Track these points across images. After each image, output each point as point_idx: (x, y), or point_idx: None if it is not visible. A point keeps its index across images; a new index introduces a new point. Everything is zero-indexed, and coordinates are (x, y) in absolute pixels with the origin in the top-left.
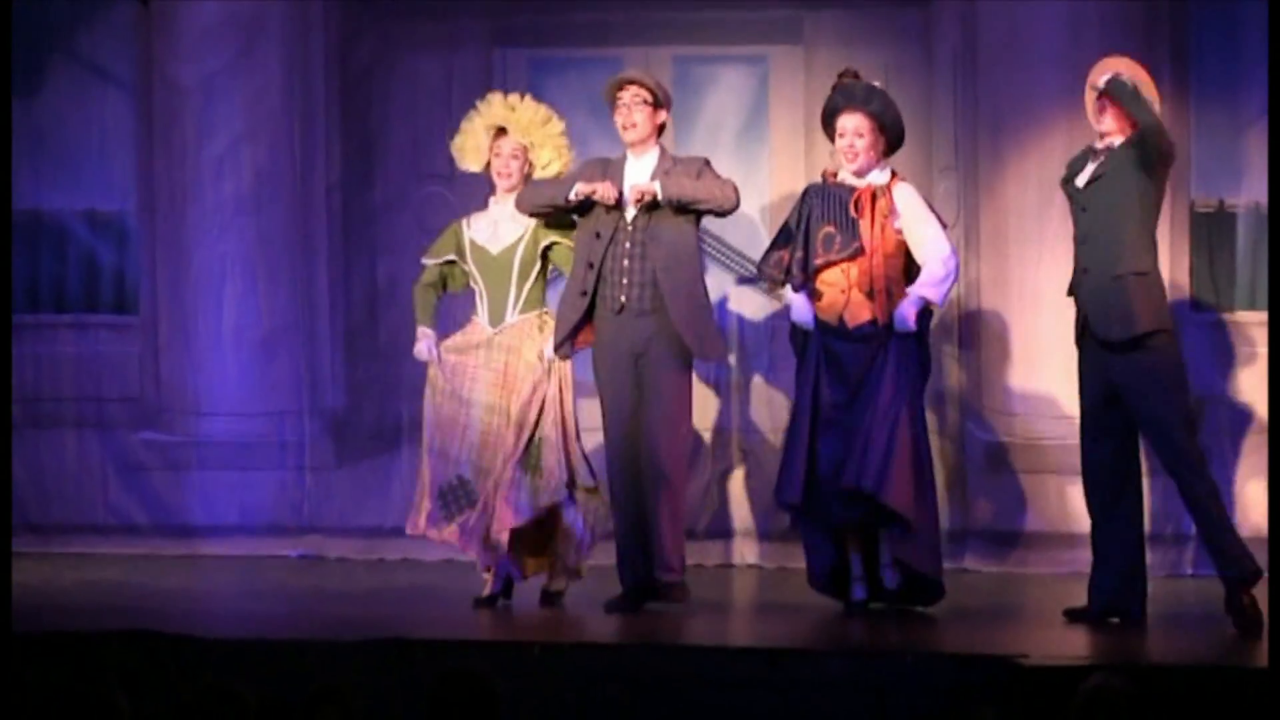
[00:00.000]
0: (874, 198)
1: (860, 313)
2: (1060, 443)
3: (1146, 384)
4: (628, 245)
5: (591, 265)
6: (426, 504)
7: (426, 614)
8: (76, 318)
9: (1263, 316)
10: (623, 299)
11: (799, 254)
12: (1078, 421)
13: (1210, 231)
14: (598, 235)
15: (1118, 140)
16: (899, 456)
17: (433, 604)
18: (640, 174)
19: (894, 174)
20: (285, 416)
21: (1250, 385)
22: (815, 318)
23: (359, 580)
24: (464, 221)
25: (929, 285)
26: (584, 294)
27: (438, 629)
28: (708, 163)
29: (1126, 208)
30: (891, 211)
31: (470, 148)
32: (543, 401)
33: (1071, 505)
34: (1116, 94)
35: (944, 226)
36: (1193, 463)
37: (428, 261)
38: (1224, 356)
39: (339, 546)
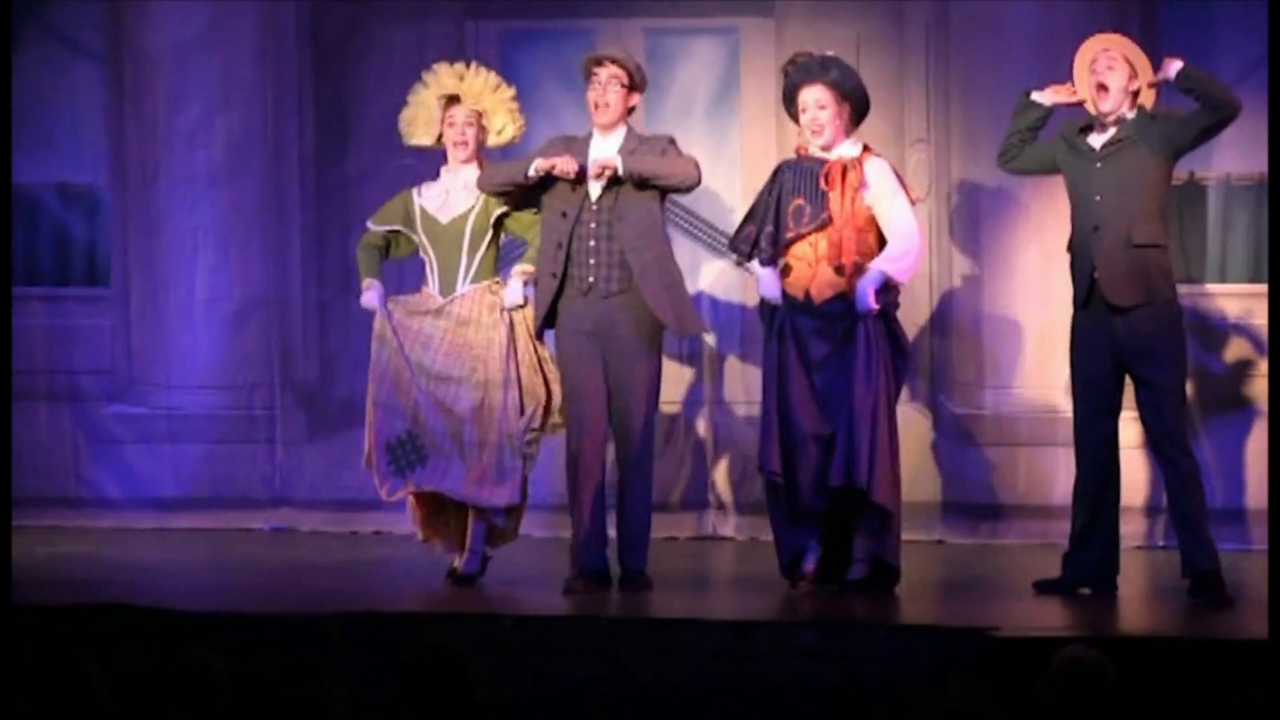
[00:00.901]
0: (844, 171)
1: (827, 288)
2: (1032, 415)
3: (1154, 352)
4: (593, 225)
5: (560, 245)
6: (375, 459)
7: (400, 587)
8: (48, 290)
9: (1234, 289)
10: (591, 279)
11: (769, 228)
12: (1050, 394)
13: (1181, 204)
14: (564, 215)
15: (1127, 110)
16: (882, 450)
17: (406, 577)
18: (605, 152)
19: (866, 148)
20: (257, 389)
21: (1219, 358)
22: (783, 293)
23: (332, 553)
24: (414, 190)
25: (889, 259)
26: (554, 275)
27: (411, 602)
28: (672, 141)
29: (1151, 178)
30: (862, 185)
31: (422, 120)
32: (514, 357)
33: (1042, 477)
34: (1196, 82)
35: (913, 203)
36: (1182, 438)
37: (373, 225)
38: (1194, 329)
39: (311, 519)
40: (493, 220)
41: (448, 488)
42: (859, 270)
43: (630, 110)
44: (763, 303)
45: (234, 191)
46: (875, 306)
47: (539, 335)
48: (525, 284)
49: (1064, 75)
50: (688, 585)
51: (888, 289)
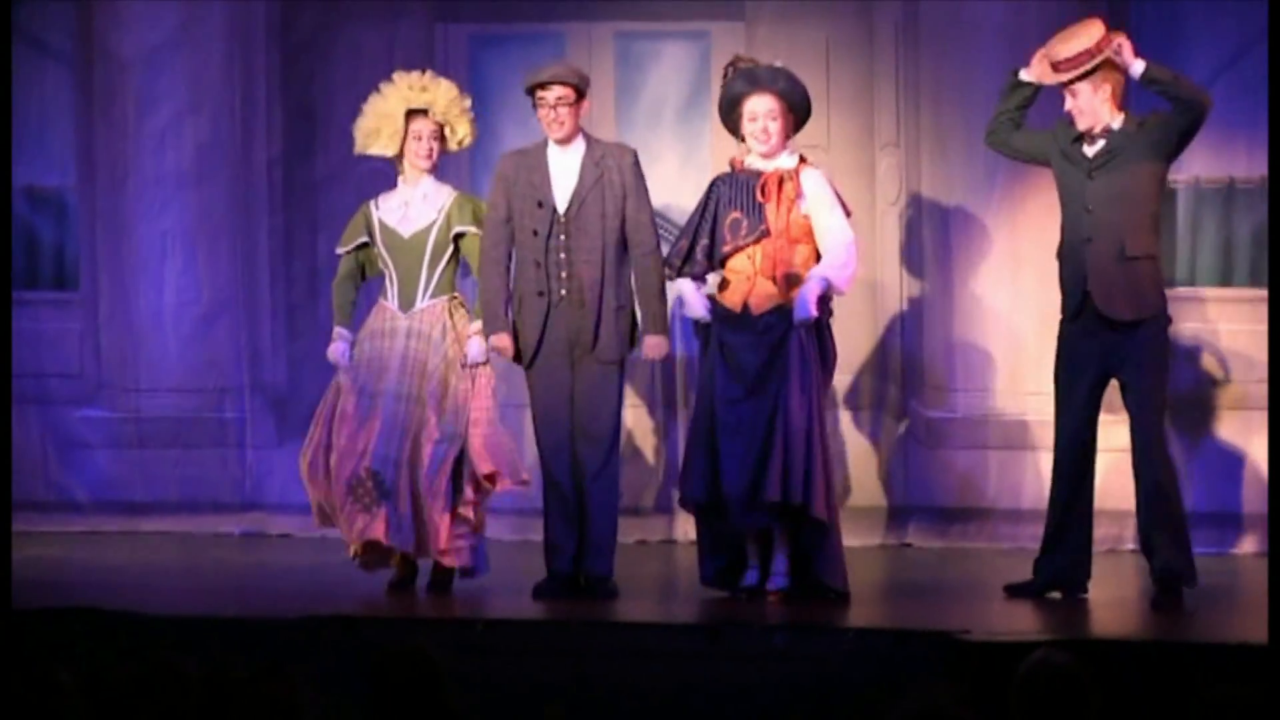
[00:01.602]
0: (780, 182)
1: (766, 300)
2: (1002, 419)
3: (1145, 362)
4: (562, 238)
5: (538, 264)
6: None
7: (370, 591)
8: (16, 294)
9: (1201, 292)
10: (562, 291)
11: (704, 241)
12: (1020, 398)
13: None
14: (535, 233)
15: (1117, 120)
16: (817, 464)
17: (376, 581)
18: (567, 166)
19: (802, 158)
20: (226, 393)
21: (1188, 361)
22: (717, 308)
23: (302, 557)
24: (372, 204)
25: (832, 267)
26: (540, 294)
27: (381, 606)
28: (636, 161)
29: (1143, 189)
30: (799, 195)
31: (386, 133)
32: (466, 407)
33: (1012, 480)
34: (1161, 83)
35: (848, 214)
36: (1164, 447)
37: (341, 251)
38: None
39: (281, 523)
40: (452, 235)
41: (397, 541)
42: (796, 281)
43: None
44: (694, 322)
45: (203, 194)
46: (815, 314)
47: (532, 359)
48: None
49: None
50: (658, 589)
51: (826, 299)
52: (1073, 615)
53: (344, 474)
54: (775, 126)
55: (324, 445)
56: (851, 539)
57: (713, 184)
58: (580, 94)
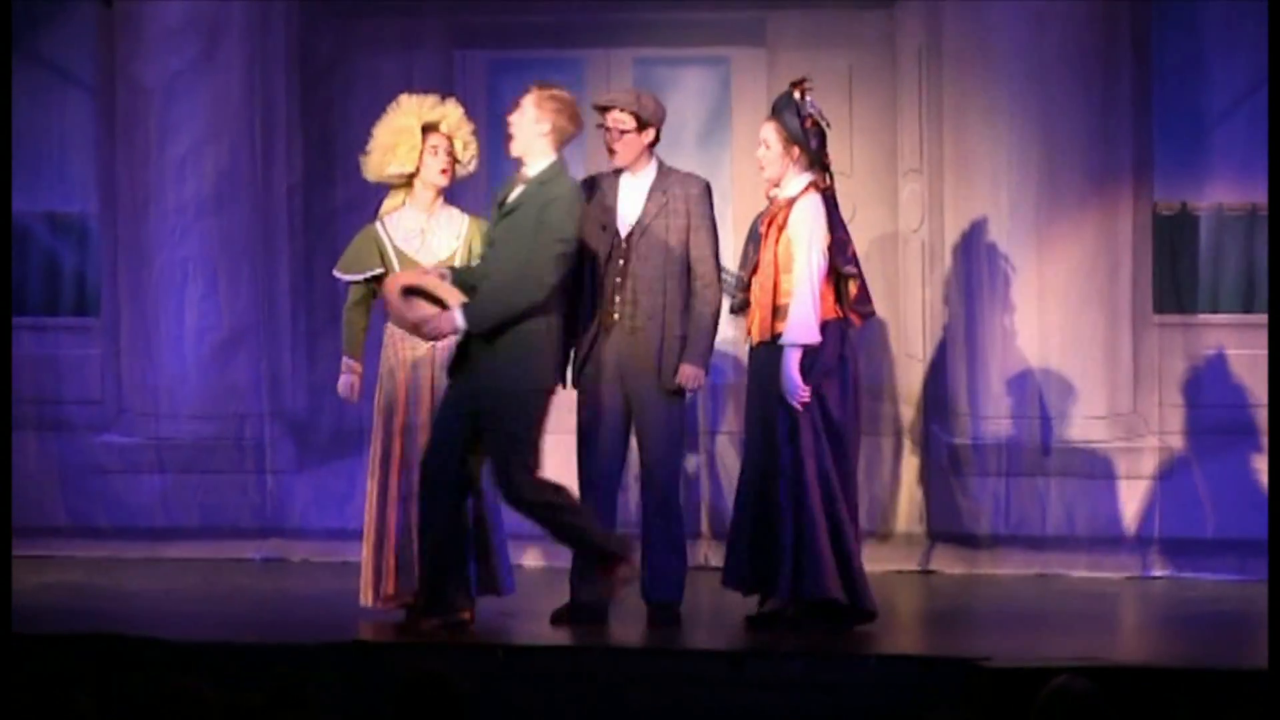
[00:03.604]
0: (778, 212)
1: (761, 331)
2: (1025, 445)
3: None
4: (621, 263)
5: (598, 287)
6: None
7: (389, 617)
8: (37, 320)
9: (1225, 319)
10: (615, 315)
11: (741, 273)
12: (1045, 424)
13: (1173, 234)
14: (595, 255)
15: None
16: (820, 548)
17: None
18: (634, 192)
19: (811, 185)
20: (247, 419)
21: (1211, 387)
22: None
23: (321, 583)
24: (379, 227)
25: (793, 329)
26: (594, 317)
27: (400, 632)
28: (704, 193)
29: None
30: (785, 226)
31: (406, 147)
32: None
33: (1036, 507)
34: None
35: (828, 249)
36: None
37: (350, 279)
38: (1186, 359)
39: (301, 549)
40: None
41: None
42: (785, 314)
43: (652, 145)
44: None
45: (223, 221)
46: (805, 390)
47: (577, 376)
48: None
49: (1057, 103)
50: (680, 615)
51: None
52: (1093, 641)
53: (386, 518)
54: (768, 155)
55: (380, 510)
56: (873, 565)
57: (759, 215)
58: (640, 121)
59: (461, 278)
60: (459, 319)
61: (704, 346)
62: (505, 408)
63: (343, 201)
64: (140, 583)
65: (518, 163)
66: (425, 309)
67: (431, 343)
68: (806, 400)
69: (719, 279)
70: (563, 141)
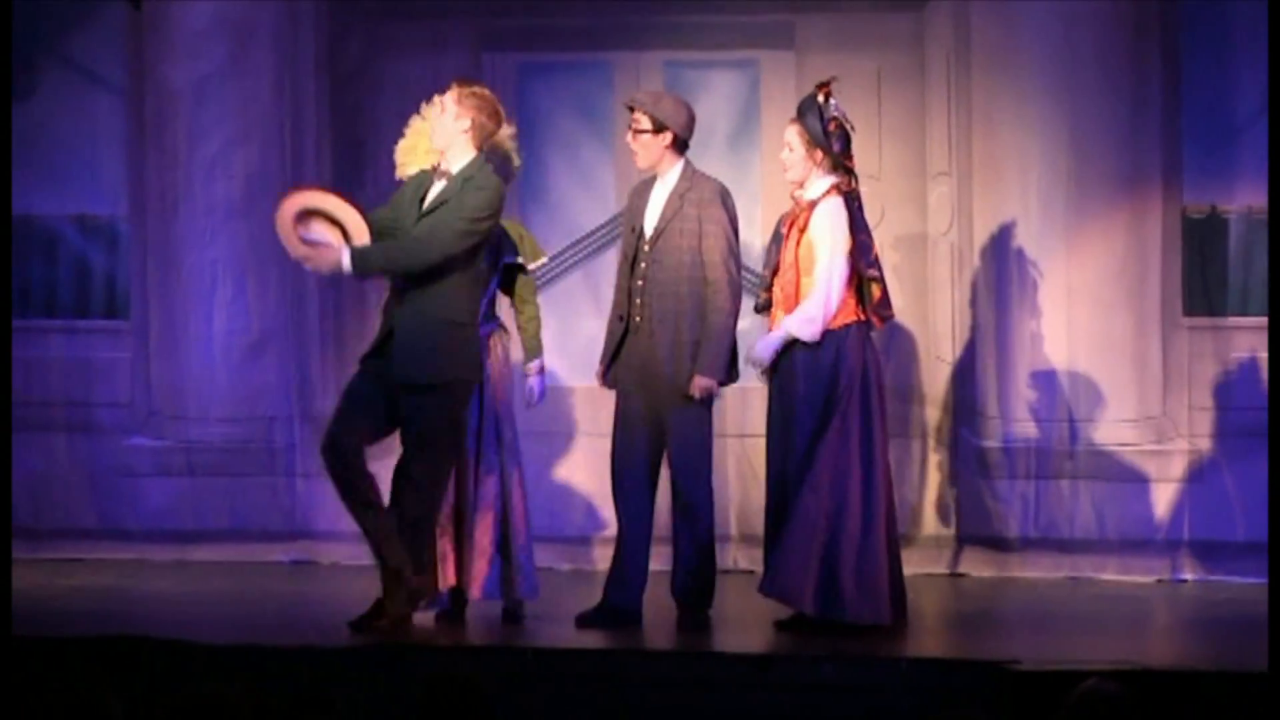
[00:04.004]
0: (800, 214)
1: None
2: (1053, 447)
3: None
4: (643, 266)
5: (624, 289)
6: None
7: (417, 619)
8: (67, 322)
9: (1255, 321)
10: (636, 319)
11: (765, 272)
12: (1073, 427)
13: (1202, 237)
14: (625, 256)
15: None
16: (843, 563)
17: (423, 610)
18: (659, 196)
19: (833, 187)
20: (276, 421)
21: (1240, 390)
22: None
23: (350, 586)
24: None
25: (796, 320)
26: (621, 319)
27: (428, 634)
28: (717, 196)
29: None
30: (807, 228)
31: (423, 148)
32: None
33: (1064, 510)
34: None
35: (851, 250)
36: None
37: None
38: (1215, 362)
39: (330, 552)
40: (506, 265)
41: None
42: None
43: (675, 149)
44: None
45: (252, 224)
46: (766, 361)
47: (604, 375)
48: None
49: (1086, 105)
50: (710, 618)
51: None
52: (1123, 645)
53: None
54: (791, 157)
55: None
56: (905, 568)
57: (782, 216)
58: (656, 124)
59: (379, 220)
60: (345, 260)
61: (715, 354)
62: (423, 401)
63: (372, 203)
64: (168, 585)
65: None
66: (319, 235)
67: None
68: (765, 369)
69: (730, 283)
70: (483, 138)
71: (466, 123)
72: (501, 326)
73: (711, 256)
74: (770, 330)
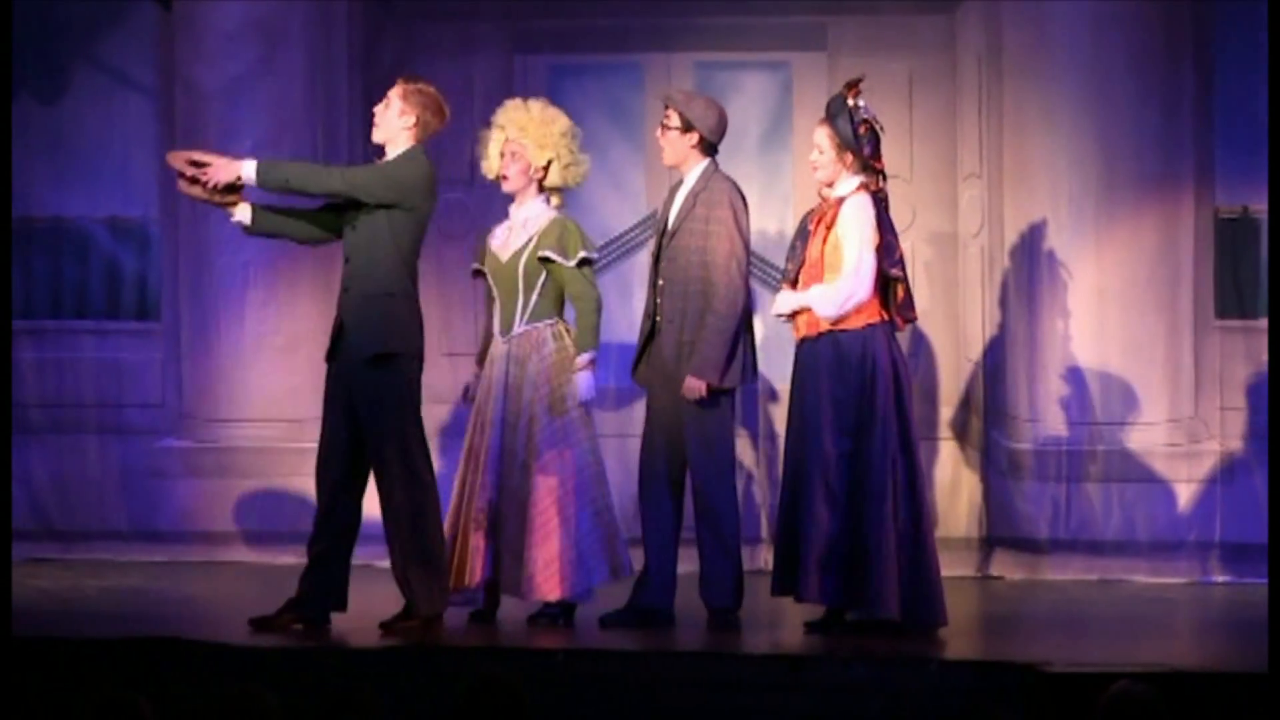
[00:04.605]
0: (828, 211)
1: (808, 327)
2: (1084, 450)
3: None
4: (662, 265)
5: (649, 286)
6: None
7: (448, 621)
8: (98, 324)
9: None
10: (656, 317)
11: (787, 266)
12: (1104, 429)
13: (1234, 238)
14: (651, 255)
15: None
16: (885, 560)
17: (455, 611)
18: (680, 196)
19: (861, 185)
20: (306, 423)
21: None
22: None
23: (381, 587)
24: (492, 229)
25: (818, 292)
26: (648, 317)
27: (459, 636)
28: (725, 197)
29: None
30: (834, 223)
31: (483, 154)
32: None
33: (1096, 512)
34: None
35: (879, 247)
36: None
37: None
38: (1247, 363)
39: (361, 552)
40: (539, 258)
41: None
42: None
43: (701, 149)
44: None
45: None
46: (782, 312)
47: (633, 371)
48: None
49: (1117, 106)
50: (739, 619)
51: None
52: (1154, 647)
53: (464, 511)
54: (822, 159)
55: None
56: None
57: (807, 212)
58: (684, 122)
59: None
60: (249, 168)
61: (708, 355)
62: (373, 375)
63: None
64: (201, 587)
65: (381, 150)
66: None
67: (504, 339)
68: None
69: (730, 286)
70: (426, 134)
71: (411, 119)
72: (557, 321)
73: (714, 258)
74: (796, 327)
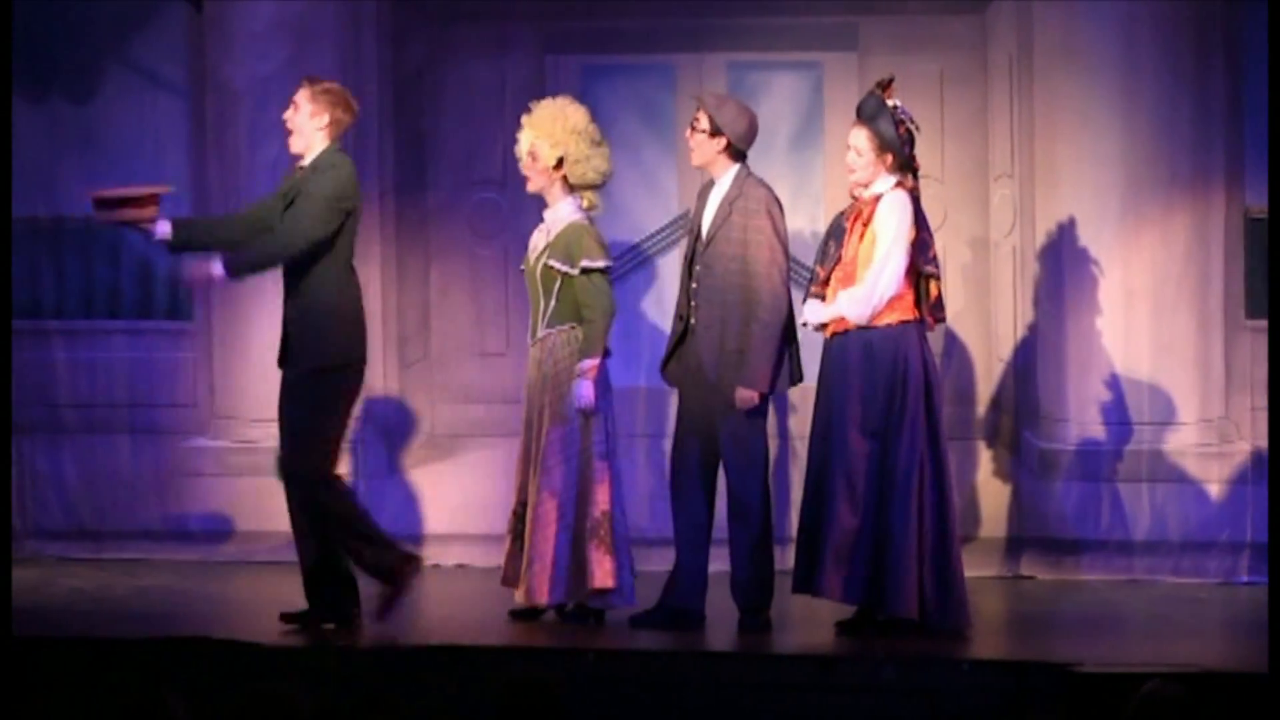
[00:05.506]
0: (861, 210)
1: (838, 324)
2: (1115, 449)
3: None
4: (697, 269)
5: (682, 290)
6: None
7: (479, 620)
8: (130, 324)
9: None
10: (692, 320)
11: (817, 267)
12: (1135, 429)
13: (1265, 238)
14: (684, 257)
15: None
16: (907, 559)
17: (486, 610)
18: (713, 201)
19: (897, 184)
20: None
21: None
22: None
23: (412, 586)
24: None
25: (846, 298)
26: (680, 318)
27: (490, 636)
28: (762, 205)
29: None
30: (871, 221)
31: (520, 155)
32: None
33: (1126, 512)
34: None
35: (913, 244)
36: None
37: None
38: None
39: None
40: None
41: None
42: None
43: (730, 154)
44: None
45: None
46: (812, 323)
47: (662, 368)
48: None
49: (1148, 106)
50: (770, 620)
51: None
52: (1186, 647)
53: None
54: (859, 161)
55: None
56: (964, 570)
57: (840, 212)
58: (713, 125)
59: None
60: (217, 268)
61: (757, 365)
62: (297, 385)
63: (434, 206)
64: (232, 586)
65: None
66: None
67: (532, 342)
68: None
69: (773, 294)
70: (340, 132)
71: (324, 119)
72: (575, 326)
73: (755, 267)
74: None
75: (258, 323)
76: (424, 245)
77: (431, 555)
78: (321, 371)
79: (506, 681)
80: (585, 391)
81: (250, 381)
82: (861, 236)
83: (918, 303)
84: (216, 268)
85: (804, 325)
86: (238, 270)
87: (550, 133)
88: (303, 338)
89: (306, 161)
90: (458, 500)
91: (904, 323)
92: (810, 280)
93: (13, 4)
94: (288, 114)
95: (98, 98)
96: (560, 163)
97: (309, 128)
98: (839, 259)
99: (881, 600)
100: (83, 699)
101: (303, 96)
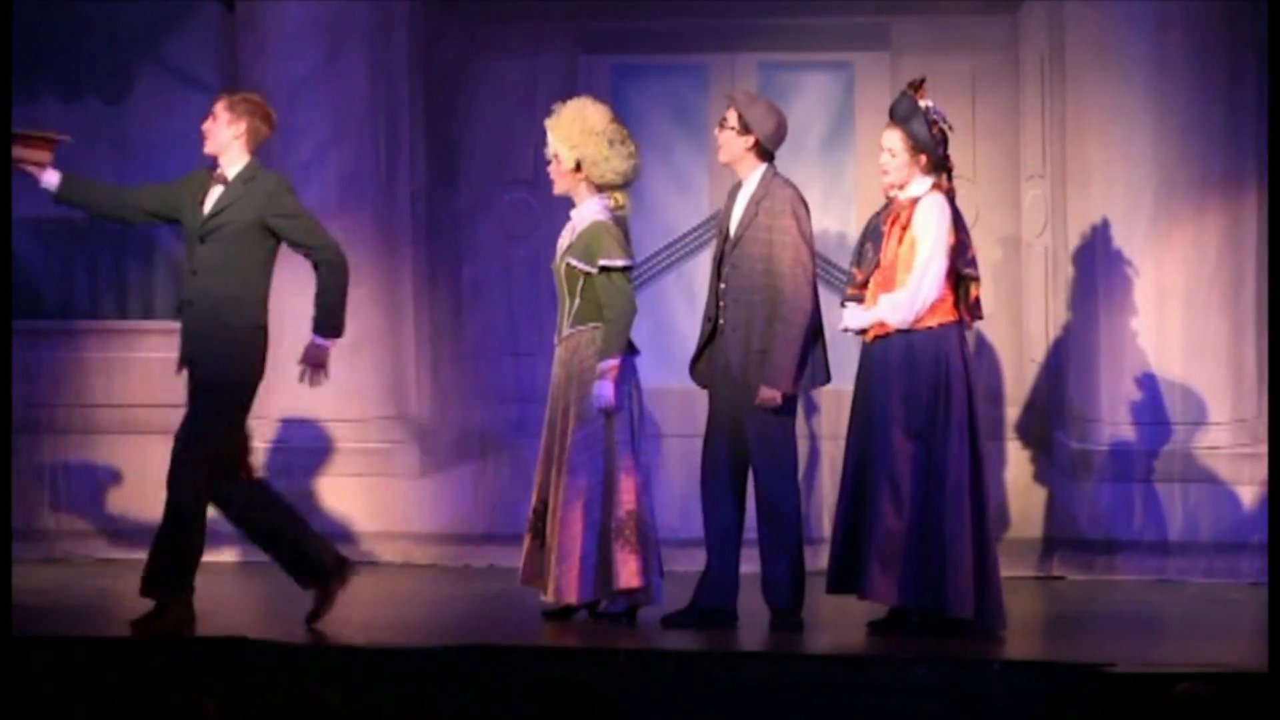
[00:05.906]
0: (899, 214)
1: (879, 328)
2: (1148, 450)
3: None
4: (726, 269)
5: (712, 290)
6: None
7: (512, 621)
8: (164, 324)
9: None
10: (721, 321)
11: (854, 270)
12: (1167, 429)
13: None
14: (714, 258)
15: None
16: (960, 559)
17: (518, 611)
18: (741, 201)
19: (934, 185)
20: (370, 423)
21: None
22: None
23: (445, 587)
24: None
25: (887, 303)
26: (709, 319)
27: (523, 636)
28: (787, 205)
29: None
30: (909, 224)
31: (549, 157)
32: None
33: (1159, 512)
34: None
35: (953, 247)
36: None
37: None
38: None
39: (426, 553)
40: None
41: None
42: None
43: (757, 153)
44: None
45: (346, 225)
46: (852, 328)
47: (691, 369)
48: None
49: (1180, 106)
50: (802, 620)
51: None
52: (1218, 648)
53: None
54: (894, 163)
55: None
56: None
57: (875, 214)
58: (742, 124)
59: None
60: (320, 339)
61: (781, 364)
62: (199, 398)
63: (466, 206)
64: (264, 587)
65: (214, 162)
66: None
67: (558, 341)
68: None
69: (798, 294)
70: (257, 141)
71: (240, 127)
72: (593, 326)
73: (780, 267)
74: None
75: (289, 323)
76: (456, 245)
77: (463, 556)
78: (217, 386)
79: (546, 682)
80: (605, 391)
81: (283, 382)
82: (900, 240)
83: (957, 304)
84: (320, 340)
85: (844, 330)
86: (337, 328)
87: (568, 135)
88: (206, 355)
89: (229, 172)
90: (490, 501)
91: (945, 324)
92: (847, 283)
93: (19, 4)
94: (206, 124)
95: (131, 98)
96: (579, 165)
97: (225, 136)
98: (877, 263)
99: (939, 601)
100: (114, 702)
101: (220, 106)
